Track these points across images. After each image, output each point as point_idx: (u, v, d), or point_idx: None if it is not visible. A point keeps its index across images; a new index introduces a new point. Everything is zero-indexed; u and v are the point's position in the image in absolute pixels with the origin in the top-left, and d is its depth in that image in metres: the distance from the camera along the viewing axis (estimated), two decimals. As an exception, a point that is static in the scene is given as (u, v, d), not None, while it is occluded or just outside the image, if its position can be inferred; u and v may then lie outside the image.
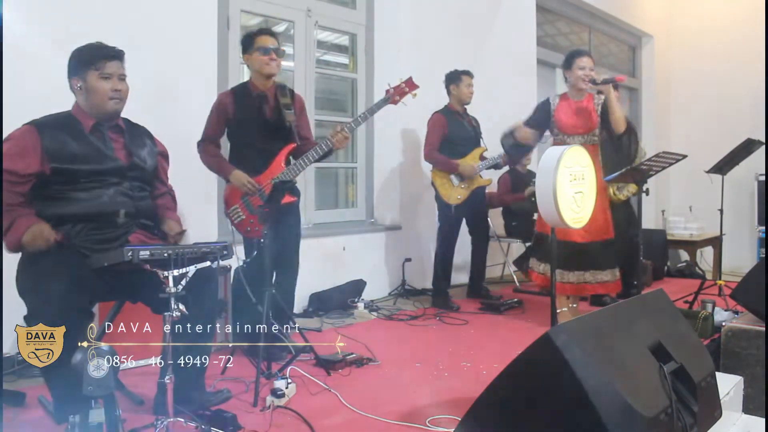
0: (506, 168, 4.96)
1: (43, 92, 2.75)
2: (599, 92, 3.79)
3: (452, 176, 4.37)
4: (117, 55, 2.31)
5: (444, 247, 4.46)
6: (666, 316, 1.75)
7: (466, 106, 4.52)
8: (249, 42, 3.18)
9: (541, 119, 3.89)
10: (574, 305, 3.95)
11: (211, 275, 2.23)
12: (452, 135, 4.39)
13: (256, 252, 3.13)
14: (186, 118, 3.56)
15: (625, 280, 4.00)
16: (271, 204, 2.76)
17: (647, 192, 3.69)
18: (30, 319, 2.02)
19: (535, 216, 4.40)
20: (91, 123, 2.29)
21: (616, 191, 4.34)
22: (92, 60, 2.26)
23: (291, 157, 3.23)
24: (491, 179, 4.68)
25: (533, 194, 4.39)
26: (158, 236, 2.43)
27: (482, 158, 4.46)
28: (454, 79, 4.47)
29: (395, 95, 3.29)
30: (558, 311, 3.79)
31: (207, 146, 3.22)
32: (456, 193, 4.36)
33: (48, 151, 2.16)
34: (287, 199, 3.14)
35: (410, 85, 3.30)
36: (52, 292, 1.98)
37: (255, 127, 3.18)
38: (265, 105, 3.19)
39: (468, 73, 4.46)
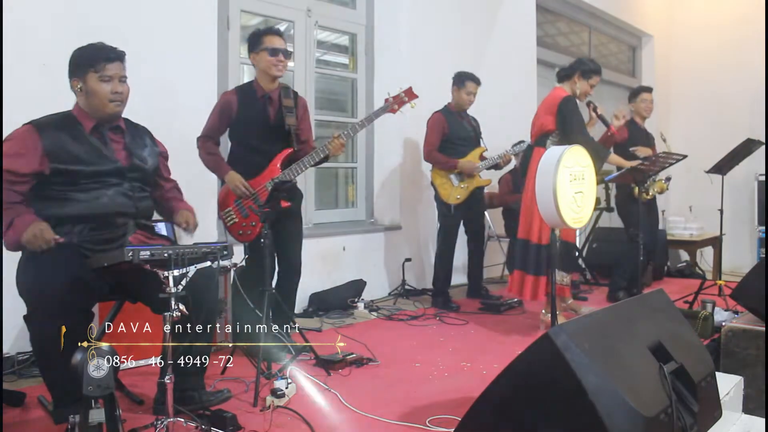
0: (508, 168, 4.95)
1: (44, 92, 2.74)
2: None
3: (452, 176, 4.36)
4: (118, 56, 2.28)
5: (444, 248, 4.46)
6: (666, 316, 1.75)
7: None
8: (256, 41, 3.13)
9: None
10: (570, 301, 3.96)
11: (211, 275, 2.23)
12: (452, 135, 4.37)
13: (248, 256, 3.10)
14: (186, 118, 3.56)
15: (633, 281, 4.02)
16: (272, 203, 2.76)
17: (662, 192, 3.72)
18: (30, 319, 2.02)
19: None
20: (92, 124, 2.28)
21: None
22: (92, 62, 2.24)
23: (287, 162, 3.22)
24: (491, 179, 4.66)
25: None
26: (158, 236, 2.43)
27: (482, 158, 4.45)
28: (458, 81, 4.41)
29: (394, 104, 3.29)
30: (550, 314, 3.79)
31: (206, 142, 3.18)
32: (456, 193, 4.36)
33: (48, 151, 2.16)
34: (283, 204, 3.09)
35: (410, 94, 3.30)
36: (52, 292, 1.98)
37: (256, 129, 3.16)
38: (269, 107, 3.17)
39: (474, 79, 4.39)
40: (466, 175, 4.35)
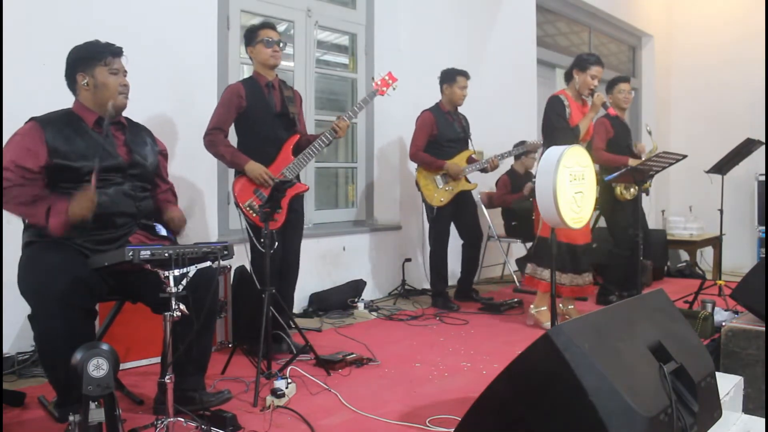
0: (502, 170, 4.92)
1: (44, 91, 2.74)
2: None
3: (437, 177, 4.30)
4: (120, 51, 2.35)
5: (435, 249, 4.38)
6: (666, 316, 1.75)
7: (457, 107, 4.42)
8: (252, 35, 3.22)
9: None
10: (571, 306, 3.94)
11: (212, 275, 2.23)
12: (440, 135, 4.29)
13: (277, 243, 2.97)
14: (186, 117, 3.57)
15: (629, 280, 4.01)
16: (272, 203, 2.75)
17: (647, 192, 3.71)
18: (34, 319, 2.03)
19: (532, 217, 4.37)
20: (94, 117, 2.30)
21: (623, 190, 4.33)
22: (100, 56, 2.29)
23: (296, 149, 3.27)
24: (477, 183, 4.55)
25: (533, 191, 4.35)
26: (158, 236, 2.43)
27: (470, 161, 4.38)
28: (449, 78, 4.35)
29: (382, 86, 3.48)
30: (537, 310, 3.78)
31: (218, 136, 3.15)
32: (440, 195, 4.28)
33: (51, 148, 2.17)
34: (301, 187, 3.26)
35: (391, 77, 3.50)
36: (54, 292, 1.98)
37: (265, 117, 3.20)
38: (273, 96, 3.24)
39: (464, 74, 4.35)
40: (451, 178, 4.28)
